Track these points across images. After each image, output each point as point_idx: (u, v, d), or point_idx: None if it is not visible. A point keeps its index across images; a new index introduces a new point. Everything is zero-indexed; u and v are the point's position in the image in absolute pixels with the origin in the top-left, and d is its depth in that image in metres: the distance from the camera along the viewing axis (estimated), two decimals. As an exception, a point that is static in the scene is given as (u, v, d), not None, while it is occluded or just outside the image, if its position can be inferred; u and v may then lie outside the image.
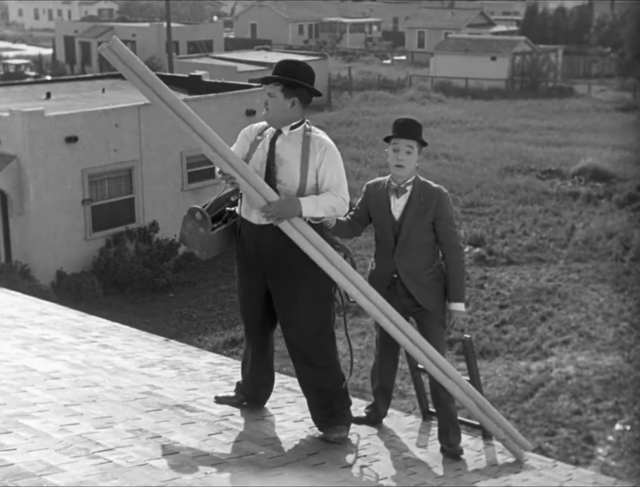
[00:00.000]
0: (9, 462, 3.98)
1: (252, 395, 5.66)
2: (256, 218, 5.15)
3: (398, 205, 5.89)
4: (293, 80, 5.11)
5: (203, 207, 5.26)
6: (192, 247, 5.28)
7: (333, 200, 5.08)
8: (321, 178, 5.12)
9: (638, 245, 25.12)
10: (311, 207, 5.01)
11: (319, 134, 5.21)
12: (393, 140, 5.83)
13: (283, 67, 5.16)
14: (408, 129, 5.80)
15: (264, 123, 5.32)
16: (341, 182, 5.16)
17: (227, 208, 5.39)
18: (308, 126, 5.21)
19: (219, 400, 5.68)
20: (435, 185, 5.94)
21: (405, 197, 5.86)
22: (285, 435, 5.32)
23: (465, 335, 6.68)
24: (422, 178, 5.95)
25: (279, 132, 5.18)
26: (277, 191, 5.07)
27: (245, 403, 5.67)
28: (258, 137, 5.26)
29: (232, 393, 5.74)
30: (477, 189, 31.97)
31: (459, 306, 5.90)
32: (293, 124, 5.17)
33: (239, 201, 5.32)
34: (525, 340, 19.29)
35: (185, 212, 5.31)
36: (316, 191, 5.14)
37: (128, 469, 4.18)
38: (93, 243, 22.87)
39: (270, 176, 5.12)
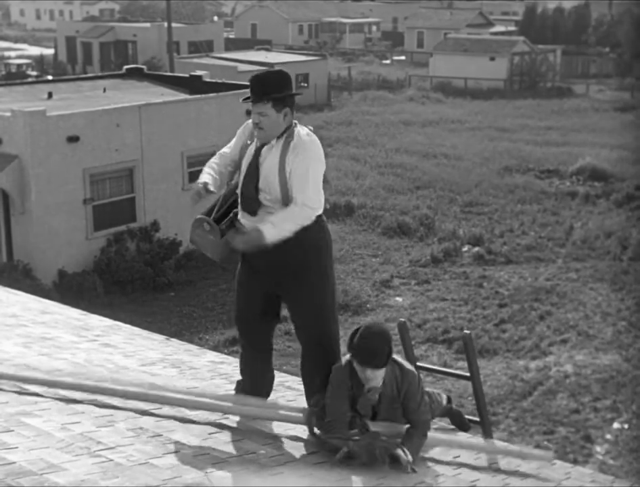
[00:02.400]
0: (11, 460, 4.00)
1: (255, 392, 5.69)
2: (246, 223, 5.25)
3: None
4: (283, 93, 5.11)
5: (209, 213, 5.35)
6: (204, 251, 5.42)
7: (295, 215, 5.05)
8: (290, 180, 5.10)
9: (636, 244, 25.14)
10: (273, 232, 5.00)
11: (300, 136, 5.19)
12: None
13: (264, 82, 5.10)
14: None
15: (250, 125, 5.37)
16: (305, 184, 5.07)
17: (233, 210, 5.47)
18: (294, 130, 5.22)
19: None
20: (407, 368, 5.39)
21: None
22: (285, 434, 5.35)
23: (465, 331, 6.71)
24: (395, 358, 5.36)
25: (262, 146, 5.20)
26: (259, 201, 5.14)
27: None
28: (249, 142, 5.31)
29: (232, 392, 5.77)
30: (476, 189, 31.98)
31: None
32: (281, 132, 5.18)
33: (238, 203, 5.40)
34: (524, 339, 19.32)
35: (192, 217, 5.42)
36: (287, 189, 5.14)
37: (129, 467, 4.20)
38: (94, 242, 22.88)
39: (254, 187, 5.16)
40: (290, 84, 5.20)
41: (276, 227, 5.00)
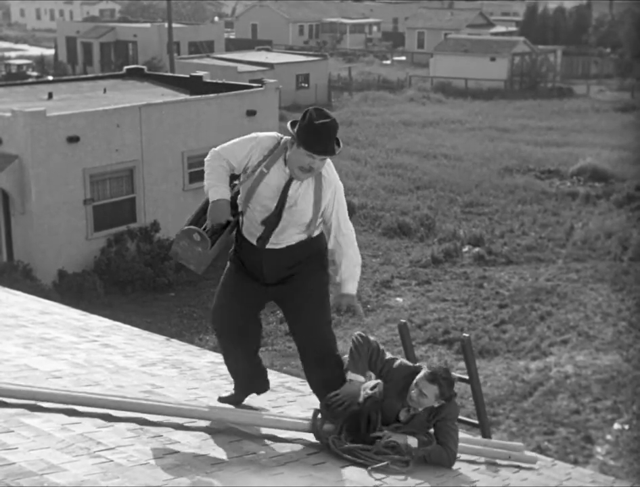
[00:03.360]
0: (11, 461, 4.00)
1: (251, 388, 5.70)
2: (259, 243, 5.23)
3: None
4: (340, 150, 5.20)
5: (195, 222, 5.28)
6: (187, 263, 5.28)
7: (353, 245, 5.37)
8: (328, 215, 5.25)
9: (636, 244, 25.14)
10: (355, 283, 5.36)
11: (329, 172, 5.25)
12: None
13: (338, 138, 5.16)
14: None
15: (269, 146, 5.18)
16: (346, 218, 5.33)
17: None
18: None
19: (222, 401, 5.69)
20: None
21: None
22: (285, 435, 5.35)
23: (464, 334, 6.72)
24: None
25: (292, 179, 5.14)
26: (276, 223, 5.15)
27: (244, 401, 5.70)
28: (265, 170, 5.14)
29: (233, 392, 5.76)
30: (476, 189, 31.99)
31: None
32: None
33: (240, 218, 5.32)
34: (524, 339, 19.32)
35: (181, 226, 5.34)
36: (316, 220, 5.23)
37: (129, 468, 4.20)
38: (94, 242, 22.89)
39: (279, 216, 5.14)
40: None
41: (355, 277, 5.32)
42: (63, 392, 5.03)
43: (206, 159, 5.28)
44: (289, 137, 5.08)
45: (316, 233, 5.30)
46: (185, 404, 5.36)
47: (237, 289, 5.38)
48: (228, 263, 5.47)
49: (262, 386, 5.76)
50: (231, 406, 5.57)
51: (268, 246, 5.19)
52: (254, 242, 5.23)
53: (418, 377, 5.33)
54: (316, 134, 4.93)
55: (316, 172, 5.09)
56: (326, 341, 5.41)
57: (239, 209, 5.27)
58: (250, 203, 5.18)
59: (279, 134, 5.26)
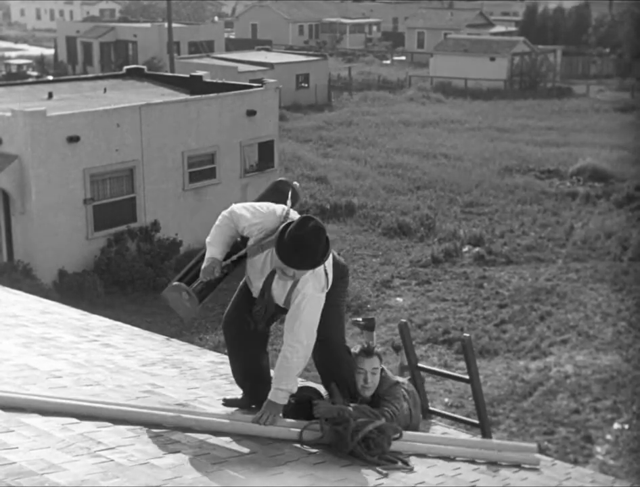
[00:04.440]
0: (11, 460, 4.00)
1: (255, 397, 5.69)
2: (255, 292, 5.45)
3: None
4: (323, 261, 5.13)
5: (182, 279, 5.47)
6: (176, 310, 5.57)
7: (294, 363, 5.17)
8: (288, 316, 5.23)
9: (636, 244, 25.15)
10: (280, 394, 5.18)
11: (305, 285, 5.17)
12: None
13: (319, 262, 5.05)
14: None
15: (269, 228, 5.25)
16: (304, 330, 5.16)
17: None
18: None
19: (228, 403, 5.69)
20: None
21: None
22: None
23: (465, 334, 6.73)
24: None
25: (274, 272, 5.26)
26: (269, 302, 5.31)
27: (253, 406, 5.64)
28: (259, 249, 5.30)
29: (239, 396, 5.75)
30: (476, 189, 32.00)
31: None
32: None
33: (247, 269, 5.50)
34: (524, 339, 19.33)
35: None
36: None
37: (129, 467, 4.21)
38: (94, 242, 22.89)
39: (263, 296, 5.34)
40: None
41: (284, 384, 5.19)
42: (67, 401, 5.03)
43: (223, 212, 5.45)
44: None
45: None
46: (185, 410, 5.35)
47: (246, 301, 5.54)
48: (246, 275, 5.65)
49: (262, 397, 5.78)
50: (230, 410, 5.57)
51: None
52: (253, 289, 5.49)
53: (358, 363, 5.67)
54: (290, 248, 4.93)
55: (294, 278, 5.12)
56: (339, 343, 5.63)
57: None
58: (248, 264, 5.44)
59: (285, 215, 5.29)
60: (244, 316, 5.52)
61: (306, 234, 4.92)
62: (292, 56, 56.60)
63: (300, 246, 4.90)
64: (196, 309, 5.35)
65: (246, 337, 5.56)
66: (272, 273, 5.25)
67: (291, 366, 5.17)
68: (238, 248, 5.47)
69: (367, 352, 5.70)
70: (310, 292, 5.15)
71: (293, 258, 4.93)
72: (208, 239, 5.39)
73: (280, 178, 5.95)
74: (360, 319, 6.76)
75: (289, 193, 5.60)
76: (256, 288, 5.42)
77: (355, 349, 5.77)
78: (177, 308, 5.50)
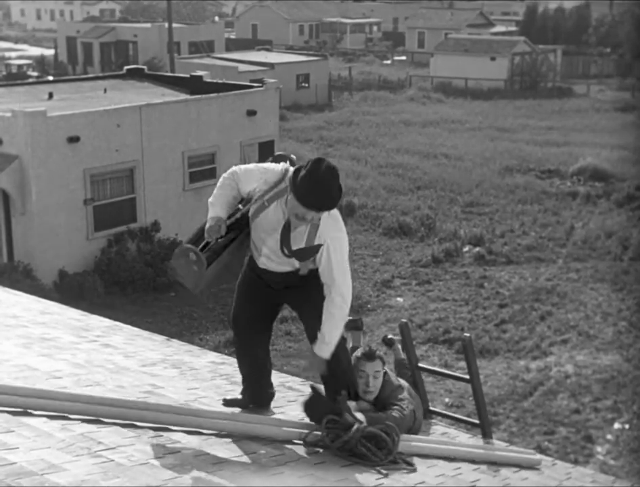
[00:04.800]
0: (12, 461, 4.00)
1: (255, 399, 5.71)
2: (274, 267, 5.32)
3: None
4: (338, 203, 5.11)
5: (194, 243, 5.36)
6: (183, 281, 5.33)
7: (338, 319, 5.19)
8: (321, 269, 5.19)
9: (636, 244, 25.15)
10: (326, 348, 5.19)
11: (326, 224, 5.15)
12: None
13: (338, 199, 5.01)
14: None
15: (273, 180, 5.21)
16: (341, 275, 5.17)
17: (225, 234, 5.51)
18: None
19: (228, 403, 5.69)
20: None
21: None
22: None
23: (465, 334, 6.72)
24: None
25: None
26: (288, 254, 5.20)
27: (251, 405, 5.70)
28: (265, 203, 5.21)
29: (239, 396, 5.77)
30: (476, 189, 31.99)
31: None
32: None
33: (251, 251, 5.43)
34: (524, 339, 19.32)
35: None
36: (306, 267, 5.27)
37: (129, 467, 4.21)
38: (94, 242, 22.89)
39: (288, 250, 5.20)
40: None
41: (328, 341, 5.18)
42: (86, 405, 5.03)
43: (224, 174, 5.40)
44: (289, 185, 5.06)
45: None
46: (185, 410, 5.36)
47: (250, 292, 5.53)
48: (245, 267, 5.59)
49: (267, 398, 5.80)
50: (235, 410, 5.57)
51: (271, 268, 5.32)
52: (270, 268, 5.35)
53: (358, 367, 5.60)
54: (308, 188, 4.87)
55: (310, 223, 5.07)
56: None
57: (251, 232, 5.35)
58: (252, 230, 5.31)
59: (286, 168, 5.24)
60: (249, 314, 5.54)
61: (323, 173, 4.88)
62: (292, 56, 56.61)
63: (319, 186, 4.86)
64: (204, 274, 5.16)
65: (252, 336, 5.58)
66: (286, 226, 5.14)
67: (341, 316, 5.20)
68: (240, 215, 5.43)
69: (369, 355, 5.62)
70: (333, 235, 5.14)
71: (314, 199, 4.88)
72: (210, 200, 5.31)
73: (278, 153, 5.93)
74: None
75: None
76: (269, 250, 5.26)
77: (357, 352, 5.71)
78: (184, 277, 5.28)
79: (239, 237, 5.39)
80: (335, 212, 5.14)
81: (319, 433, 5.16)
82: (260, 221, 5.22)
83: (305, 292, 5.36)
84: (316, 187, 4.85)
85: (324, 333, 5.18)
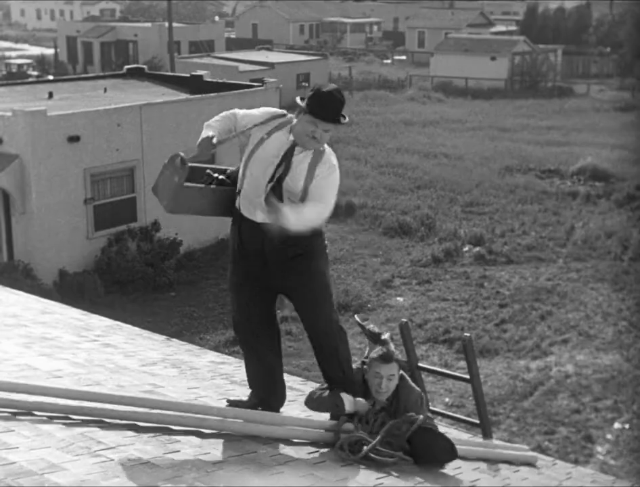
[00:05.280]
0: (11, 460, 4.00)
1: (264, 404, 5.61)
2: (260, 216, 5.22)
3: None
4: (346, 120, 5.30)
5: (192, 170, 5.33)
6: (161, 197, 5.26)
7: (316, 210, 5.21)
8: (312, 187, 5.25)
9: (636, 244, 25.15)
10: (294, 217, 5.06)
11: (330, 152, 5.39)
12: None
13: (342, 106, 5.26)
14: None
15: (273, 114, 5.37)
16: (329, 194, 5.35)
17: (215, 175, 5.50)
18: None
19: (232, 405, 5.54)
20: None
21: None
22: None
23: (465, 334, 6.72)
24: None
25: (295, 146, 5.24)
26: (281, 193, 5.17)
27: (260, 408, 5.52)
28: (265, 136, 5.29)
29: (245, 398, 5.63)
30: (477, 189, 31.98)
31: None
32: None
33: (237, 199, 5.36)
34: (524, 339, 19.32)
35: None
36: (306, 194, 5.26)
37: (129, 467, 4.20)
38: (95, 242, 22.89)
39: (279, 182, 5.20)
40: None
41: (298, 214, 5.09)
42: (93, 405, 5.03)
43: (225, 111, 5.53)
44: (297, 112, 5.27)
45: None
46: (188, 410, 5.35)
47: (243, 291, 5.43)
48: (229, 265, 5.52)
49: (275, 403, 5.63)
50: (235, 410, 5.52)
51: (246, 215, 5.25)
52: (256, 218, 5.25)
53: (373, 368, 5.51)
54: (320, 101, 5.15)
55: (319, 143, 5.22)
56: (330, 326, 5.47)
57: (238, 188, 5.35)
58: (248, 170, 5.28)
59: (285, 111, 5.47)
60: (249, 318, 5.45)
61: (333, 89, 5.26)
62: (293, 55, 56.61)
63: (329, 96, 5.18)
64: (181, 185, 5.11)
65: (256, 339, 5.48)
66: (288, 154, 5.21)
67: (313, 217, 5.17)
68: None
69: (386, 358, 5.52)
70: (335, 163, 5.37)
71: (332, 112, 5.16)
72: (206, 123, 5.38)
73: None
74: (366, 323, 6.55)
75: None
76: (249, 187, 5.23)
77: (374, 353, 5.62)
78: (162, 188, 5.20)
79: (229, 187, 5.44)
80: (330, 153, 5.34)
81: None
82: (256, 156, 5.27)
83: (295, 276, 5.30)
84: (328, 97, 5.18)
85: (298, 209, 5.12)
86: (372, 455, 5.10)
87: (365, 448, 5.11)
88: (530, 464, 6.24)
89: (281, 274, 5.30)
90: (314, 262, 5.35)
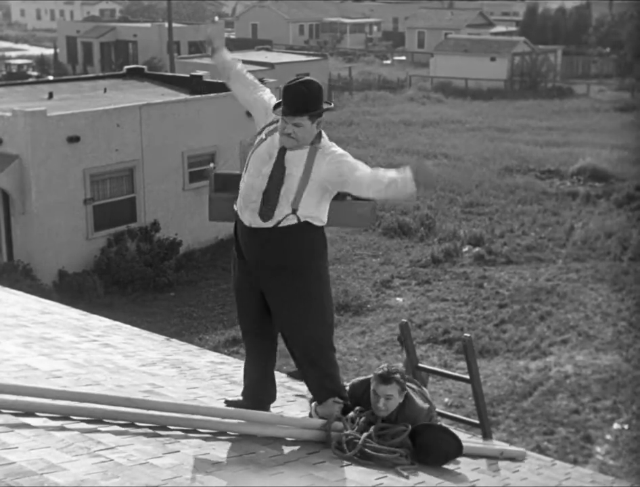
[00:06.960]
0: (11, 460, 3.99)
1: (255, 400, 5.66)
2: (247, 219, 5.19)
3: None
4: (320, 109, 5.10)
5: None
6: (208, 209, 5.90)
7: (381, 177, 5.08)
8: (339, 178, 5.10)
9: (636, 244, 25.14)
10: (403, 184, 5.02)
11: (325, 145, 5.18)
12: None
13: (305, 99, 5.05)
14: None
15: (272, 118, 5.35)
16: (357, 168, 5.11)
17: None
18: (320, 138, 5.21)
19: (230, 405, 5.61)
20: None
21: None
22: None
23: (465, 334, 6.72)
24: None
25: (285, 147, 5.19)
26: (278, 193, 5.11)
27: (251, 404, 5.58)
28: (264, 136, 5.30)
29: (241, 397, 5.69)
30: (476, 189, 31.98)
31: None
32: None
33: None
34: (524, 339, 19.32)
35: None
36: (320, 194, 5.17)
37: (129, 467, 4.20)
38: (94, 242, 22.90)
39: (277, 193, 5.11)
40: (323, 96, 5.17)
41: (377, 181, 5.05)
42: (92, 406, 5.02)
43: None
44: None
45: (307, 218, 5.18)
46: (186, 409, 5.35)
47: (242, 297, 5.45)
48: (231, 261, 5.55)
49: (265, 401, 5.68)
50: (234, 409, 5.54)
51: (254, 225, 5.15)
52: (243, 218, 5.22)
53: (372, 387, 5.43)
54: (283, 96, 5.09)
55: (296, 140, 5.07)
56: (317, 344, 5.41)
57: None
58: (247, 169, 5.29)
59: None
60: (242, 310, 5.49)
61: (299, 81, 5.11)
62: (292, 56, 56.54)
63: (290, 90, 5.05)
64: (212, 195, 5.95)
65: (259, 343, 5.52)
66: (282, 151, 5.15)
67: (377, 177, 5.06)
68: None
69: (384, 378, 5.38)
70: (334, 149, 5.17)
71: (292, 105, 5.02)
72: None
73: None
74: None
75: None
76: (248, 186, 5.21)
77: (377, 370, 5.52)
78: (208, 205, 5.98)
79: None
80: (326, 139, 5.20)
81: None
82: (255, 155, 5.27)
83: (275, 290, 5.23)
84: (288, 91, 5.07)
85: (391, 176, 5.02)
86: (368, 451, 5.10)
87: (359, 443, 5.11)
88: (513, 459, 6.23)
89: (263, 281, 5.26)
90: (301, 281, 5.21)
